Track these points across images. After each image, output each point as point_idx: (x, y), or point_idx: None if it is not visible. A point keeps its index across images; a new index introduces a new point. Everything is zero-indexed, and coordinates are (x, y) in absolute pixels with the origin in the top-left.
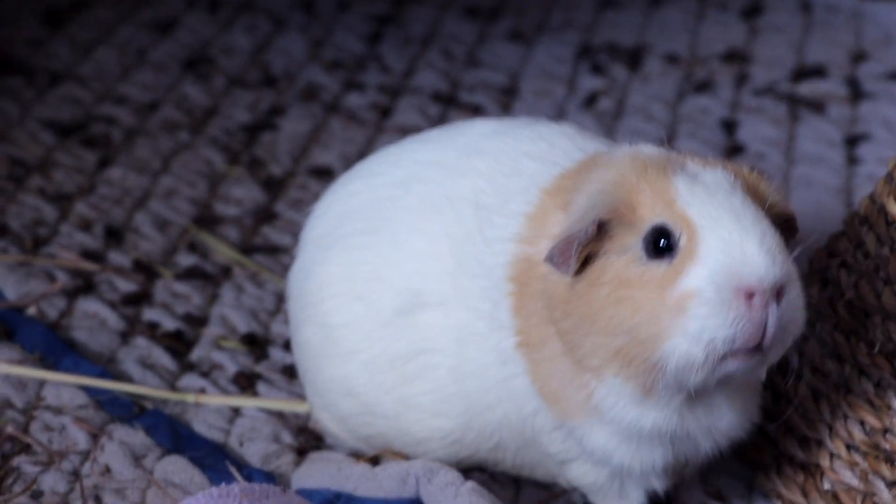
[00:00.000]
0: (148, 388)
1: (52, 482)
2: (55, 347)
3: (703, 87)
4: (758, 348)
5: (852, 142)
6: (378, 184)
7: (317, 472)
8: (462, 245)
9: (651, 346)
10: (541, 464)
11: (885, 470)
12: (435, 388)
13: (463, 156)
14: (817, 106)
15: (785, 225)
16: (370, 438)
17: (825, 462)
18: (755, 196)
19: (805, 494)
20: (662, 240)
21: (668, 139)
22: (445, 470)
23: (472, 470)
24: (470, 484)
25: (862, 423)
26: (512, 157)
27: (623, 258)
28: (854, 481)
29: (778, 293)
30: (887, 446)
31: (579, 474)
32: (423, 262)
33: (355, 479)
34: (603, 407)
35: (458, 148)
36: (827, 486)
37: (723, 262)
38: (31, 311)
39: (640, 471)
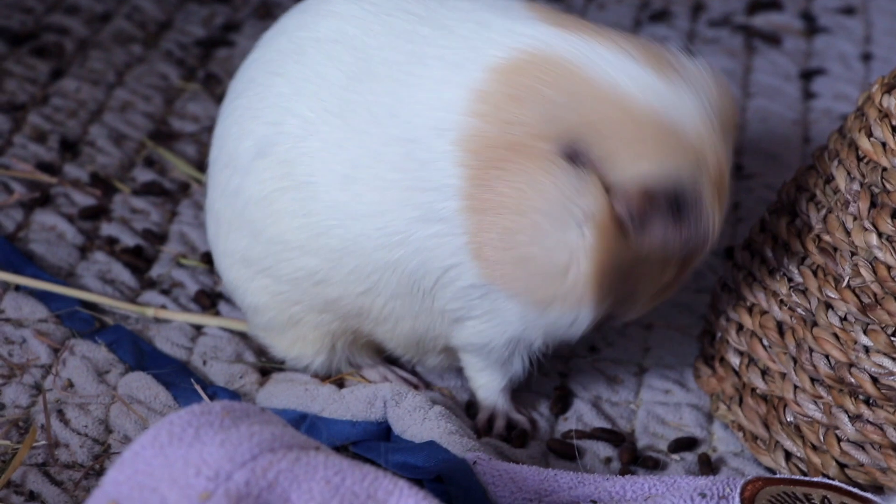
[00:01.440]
0: (110, 300)
1: (13, 395)
2: (14, 259)
3: (660, 16)
4: None
5: (808, 76)
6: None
7: (282, 393)
8: (356, 89)
9: None
10: (409, 317)
11: (849, 403)
12: (301, 225)
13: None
14: (773, 39)
15: None
16: (264, 310)
17: (789, 394)
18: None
19: (766, 426)
20: None
21: None
22: (413, 394)
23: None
24: (438, 408)
25: (827, 356)
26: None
27: None
28: (817, 414)
29: None
30: (852, 380)
31: (474, 332)
32: (285, 102)
33: (322, 400)
34: None
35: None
36: (790, 418)
37: None
38: None
39: (544, 339)
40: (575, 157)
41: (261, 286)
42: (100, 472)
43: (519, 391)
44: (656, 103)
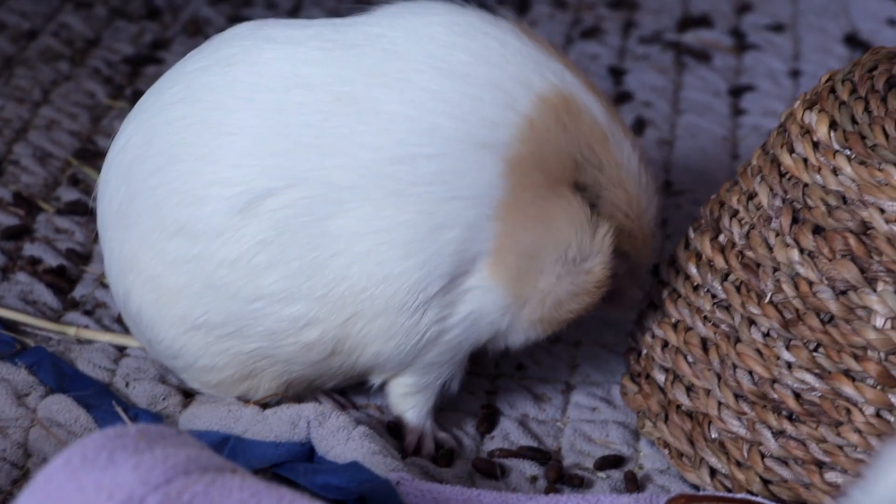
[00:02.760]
0: (30, 318)
1: None
2: None
3: (591, 32)
4: None
5: (737, 92)
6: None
7: (205, 415)
8: (342, 121)
9: None
10: (381, 340)
11: (772, 419)
12: (291, 272)
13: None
14: (703, 55)
15: None
16: (220, 369)
17: (713, 411)
18: None
19: (692, 443)
20: None
21: None
22: (337, 414)
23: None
24: (362, 428)
25: (750, 372)
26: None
27: None
28: (741, 430)
29: None
30: (775, 396)
31: (446, 348)
32: (251, 159)
33: (245, 421)
34: None
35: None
36: (714, 434)
37: None
38: None
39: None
40: (591, 200)
41: (221, 349)
42: None
43: (445, 410)
44: (634, 173)
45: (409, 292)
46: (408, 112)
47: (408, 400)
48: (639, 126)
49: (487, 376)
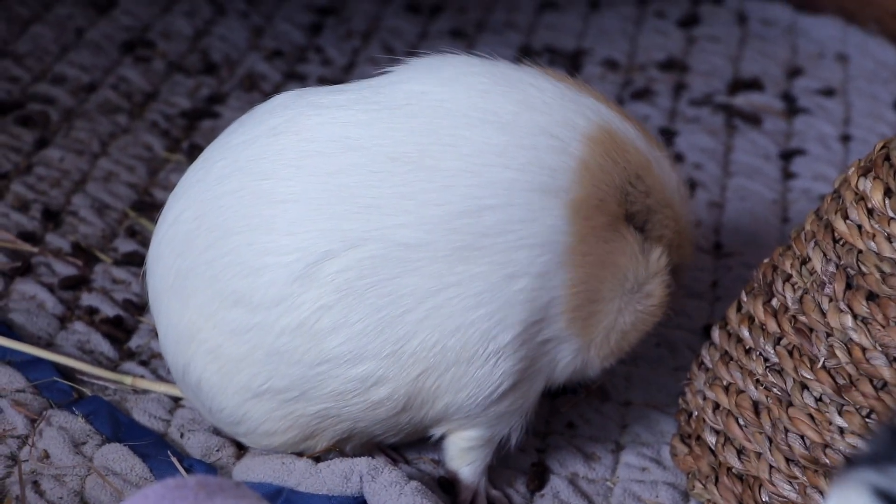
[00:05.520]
0: (88, 366)
1: None
2: None
3: (642, 94)
4: None
5: (787, 156)
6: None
7: (259, 467)
8: (396, 180)
9: None
10: (451, 392)
11: (824, 484)
12: (356, 333)
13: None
14: (753, 119)
15: None
16: (283, 433)
17: (764, 474)
18: None
19: None
20: None
21: None
22: (389, 469)
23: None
24: (414, 483)
25: (802, 437)
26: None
27: None
28: (792, 494)
29: None
30: (827, 461)
31: (519, 396)
32: (306, 225)
33: (298, 474)
34: None
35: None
36: (765, 498)
37: None
38: None
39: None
40: (639, 225)
41: (285, 413)
42: None
43: (496, 467)
44: (675, 188)
45: (479, 342)
46: (466, 167)
47: (468, 455)
48: (689, 188)
49: (537, 434)
